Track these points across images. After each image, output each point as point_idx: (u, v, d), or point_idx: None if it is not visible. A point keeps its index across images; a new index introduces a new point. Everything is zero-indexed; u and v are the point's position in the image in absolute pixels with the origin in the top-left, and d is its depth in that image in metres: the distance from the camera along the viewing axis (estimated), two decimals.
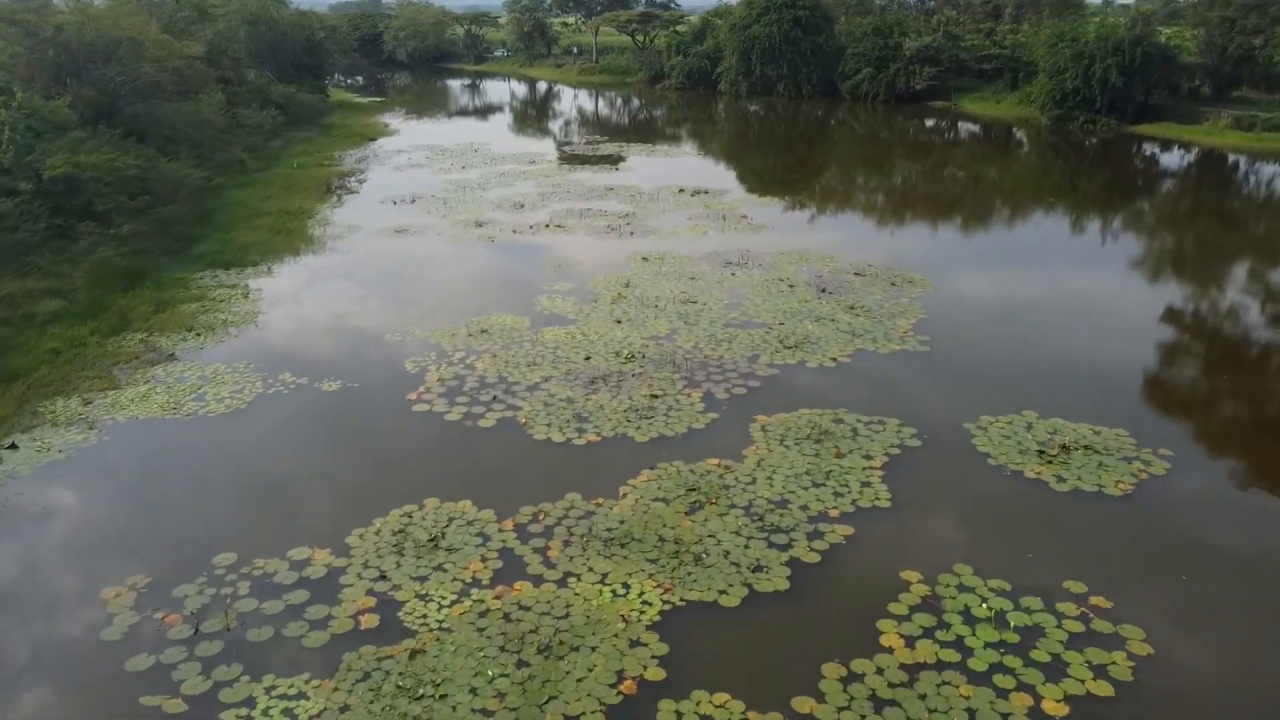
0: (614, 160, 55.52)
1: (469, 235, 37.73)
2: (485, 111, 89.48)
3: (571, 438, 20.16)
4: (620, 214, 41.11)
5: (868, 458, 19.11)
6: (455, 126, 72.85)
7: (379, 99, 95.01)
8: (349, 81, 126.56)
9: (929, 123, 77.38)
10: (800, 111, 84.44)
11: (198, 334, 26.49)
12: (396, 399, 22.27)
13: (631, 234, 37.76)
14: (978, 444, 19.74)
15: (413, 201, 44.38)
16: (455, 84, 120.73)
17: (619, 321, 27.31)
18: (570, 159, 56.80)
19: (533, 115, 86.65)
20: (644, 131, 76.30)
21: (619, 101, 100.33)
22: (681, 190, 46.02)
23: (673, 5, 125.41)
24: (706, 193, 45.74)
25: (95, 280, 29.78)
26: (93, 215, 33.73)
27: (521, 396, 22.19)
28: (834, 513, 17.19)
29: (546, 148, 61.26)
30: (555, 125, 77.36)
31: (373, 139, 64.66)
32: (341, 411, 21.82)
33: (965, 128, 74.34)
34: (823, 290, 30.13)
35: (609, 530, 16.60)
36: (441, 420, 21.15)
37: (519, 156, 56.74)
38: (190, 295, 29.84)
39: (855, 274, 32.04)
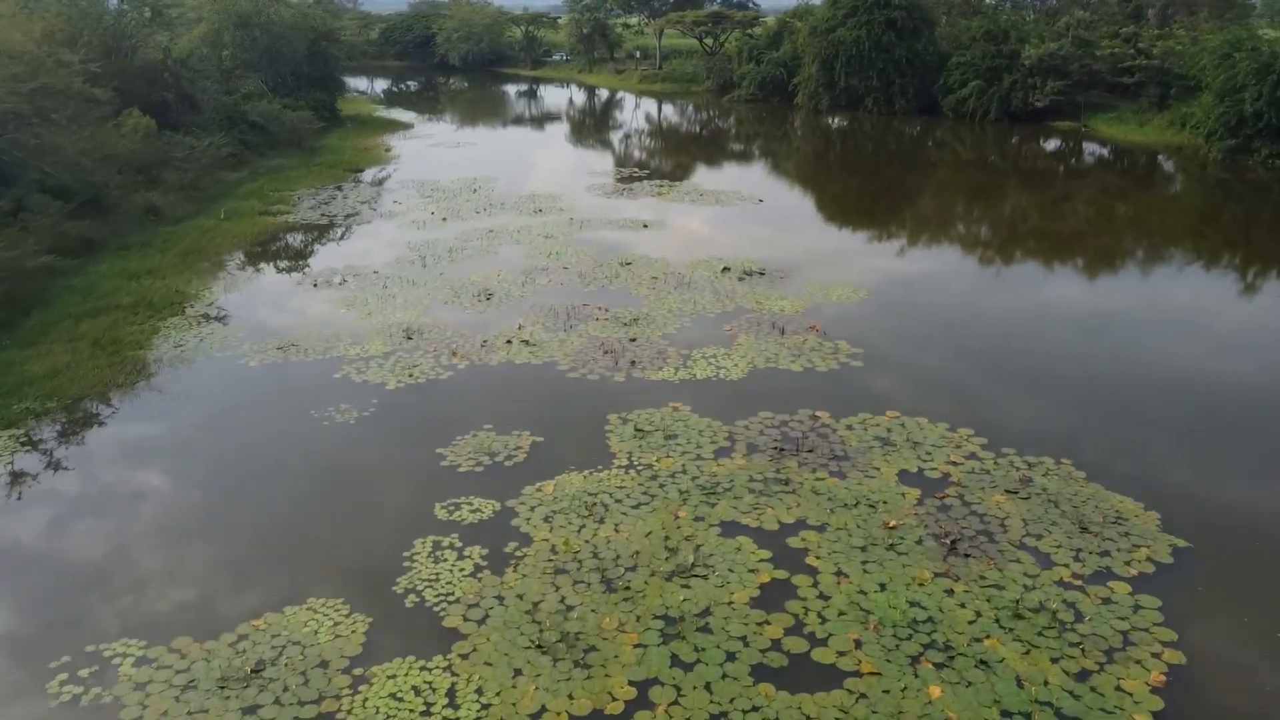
0: (645, 214, 41.26)
1: (375, 372, 23.68)
2: (525, 123, 75.84)
3: None
4: (627, 317, 26.81)
5: None
6: (475, 150, 59.21)
7: (410, 110, 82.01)
8: (399, 87, 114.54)
9: (1049, 145, 61.83)
10: (891, 131, 69.03)
11: None
12: None
13: (633, 364, 23.49)
14: None
15: (343, 282, 30.75)
16: (510, 89, 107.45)
17: (557, 662, 13.07)
18: (592, 205, 42.63)
19: (575, 132, 72.47)
20: (701, 154, 61.81)
21: (681, 113, 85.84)
22: (726, 269, 31.57)
23: (750, 4, 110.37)
24: (761, 274, 31.21)
25: None
26: None
27: None
28: None
29: (567, 185, 47.21)
30: (593, 149, 62.95)
31: (359, 170, 51.31)
32: None
33: (1097, 153, 58.43)
34: (949, 544, 15.55)
35: None
36: None
37: (526, 202, 42.78)
38: None
39: (1019, 477, 17.43)
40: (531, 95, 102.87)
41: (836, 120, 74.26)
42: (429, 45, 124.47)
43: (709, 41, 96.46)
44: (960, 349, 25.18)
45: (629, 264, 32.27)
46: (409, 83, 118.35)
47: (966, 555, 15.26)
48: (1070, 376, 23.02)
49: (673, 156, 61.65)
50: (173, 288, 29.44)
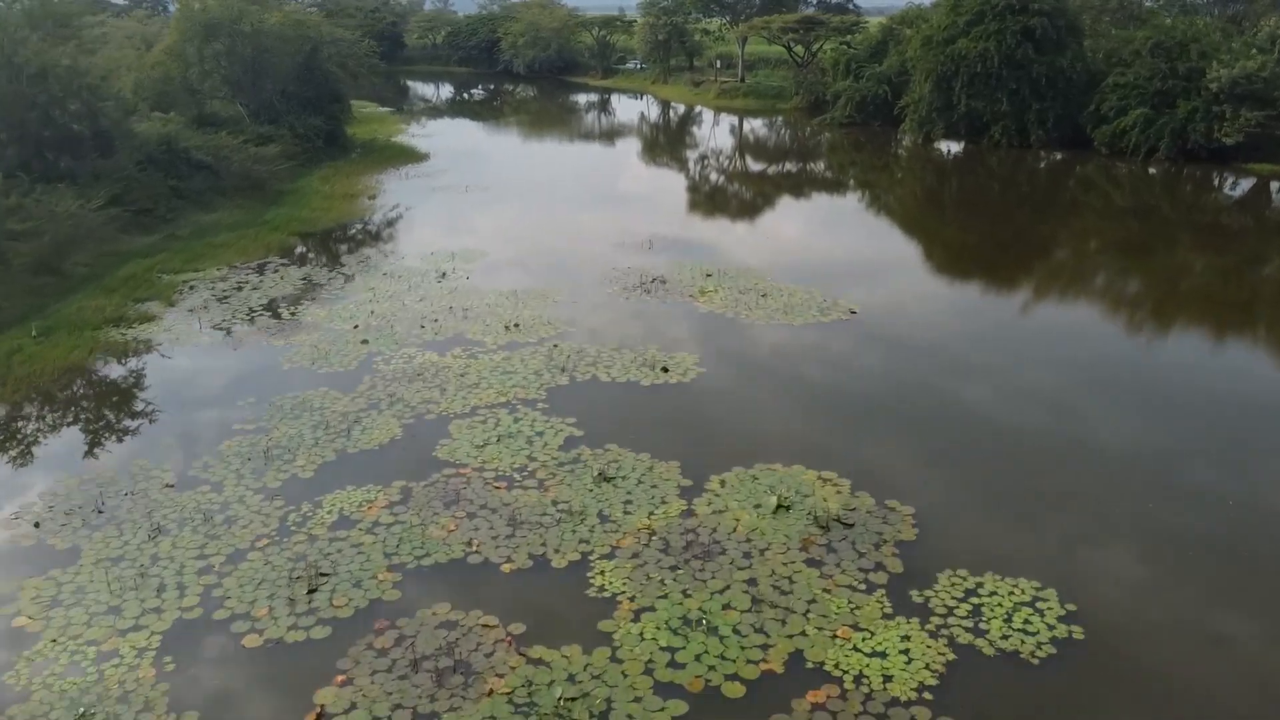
0: (670, 336, 26.45)
1: None
2: (568, 153, 61.44)
3: None
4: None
5: None
6: (482, 200, 44.93)
7: (470, 119, 68.50)
8: (466, 95, 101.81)
9: (1238, 191, 45.65)
10: (1024, 169, 52.91)
11: None
12: None
13: None
14: None
15: (82, 525, 16.83)
16: (578, 100, 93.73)
17: None
18: (597, 315, 28.03)
19: (620, 170, 57.64)
20: (775, 205, 46.58)
21: (761, 140, 70.51)
22: (821, 526, 16.61)
23: (850, 6, 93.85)
24: (850, 526, 16.20)
25: None
26: None
27: None
28: None
29: (577, 269, 32.88)
30: (635, 198, 47.91)
31: (310, 234, 37.60)
32: None
33: None
34: None
35: None
36: None
37: (501, 306, 28.51)
38: None
39: None
40: (595, 111, 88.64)
41: (952, 152, 58.17)
42: (494, 51, 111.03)
43: (799, 50, 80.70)
44: None
45: (605, 514, 17.53)
46: (473, 90, 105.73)
47: None
48: None
49: (737, 210, 46.56)
50: None
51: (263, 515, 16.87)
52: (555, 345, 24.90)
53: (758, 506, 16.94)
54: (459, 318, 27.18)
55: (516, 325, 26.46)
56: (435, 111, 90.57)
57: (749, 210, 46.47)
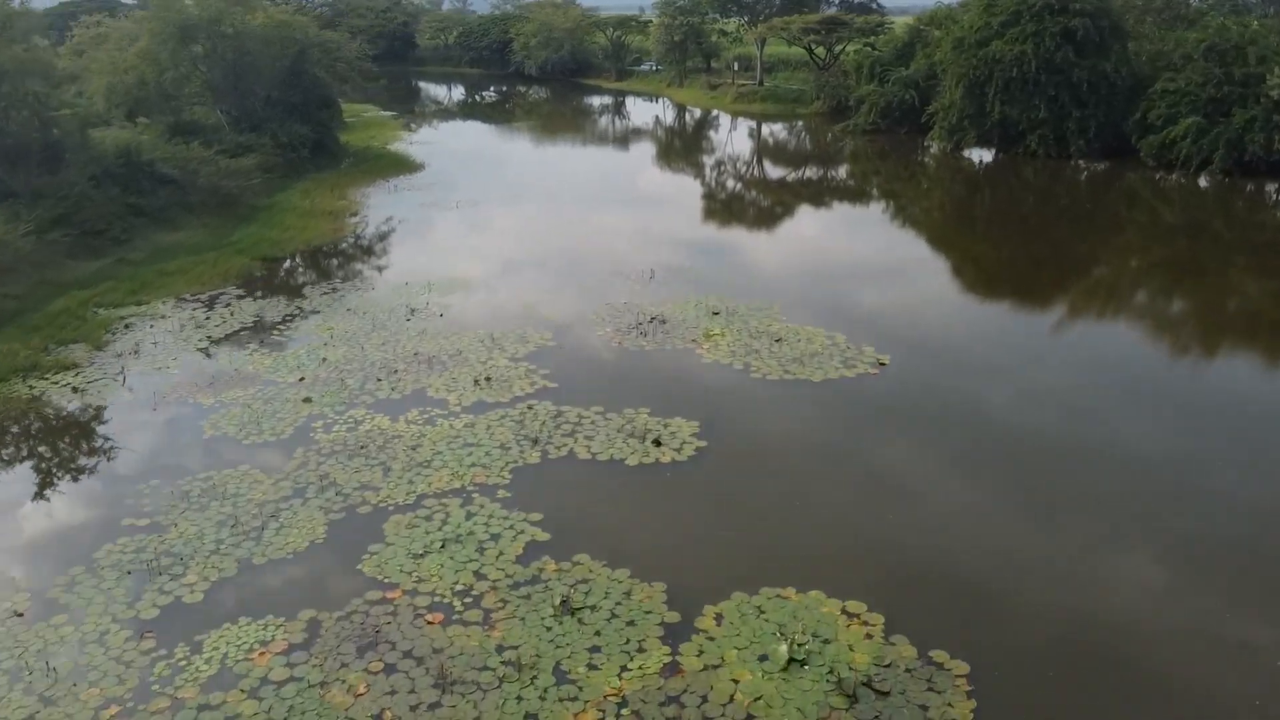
0: (668, 394, 22.41)
1: None
2: (575, 159, 57.31)
3: None
4: None
5: None
6: (473, 218, 41.10)
7: (483, 121, 64.62)
8: (477, 97, 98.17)
9: None
10: (1062, 180, 48.53)
11: None
12: None
13: None
14: None
15: None
16: (591, 103, 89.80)
17: None
18: (587, 362, 24.11)
19: (628, 180, 53.53)
20: (792, 222, 42.29)
21: (779, 146, 66.30)
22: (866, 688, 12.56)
23: (873, 5, 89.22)
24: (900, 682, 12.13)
25: None
26: None
27: None
28: None
29: (574, 297, 29.18)
30: (642, 215, 43.60)
31: (276, 259, 33.82)
32: None
33: None
34: None
35: None
36: None
37: (473, 351, 24.67)
38: None
39: None
40: (607, 114, 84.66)
41: (984, 161, 53.83)
42: (506, 52, 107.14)
43: (821, 52, 76.35)
44: None
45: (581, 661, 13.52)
46: (485, 92, 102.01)
47: None
48: None
49: (752, 227, 42.43)
50: None
51: (122, 665, 12.98)
52: (529, 407, 20.92)
53: (763, 659, 12.89)
54: (423, 367, 23.24)
55: (488, 379, 22.50)
56: (445, 114, 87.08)
57: (764, 227, 42.36)
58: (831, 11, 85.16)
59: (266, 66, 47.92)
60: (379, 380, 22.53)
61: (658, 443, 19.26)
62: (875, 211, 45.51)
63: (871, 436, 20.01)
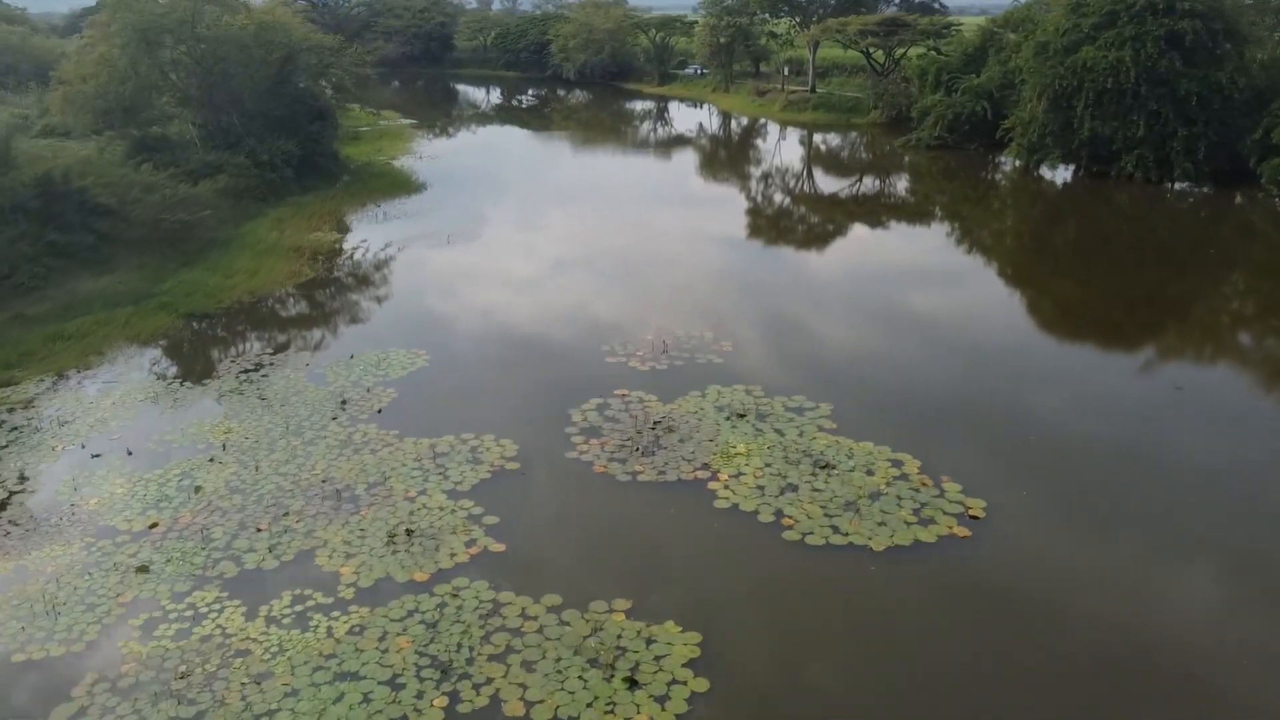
0: (668, 575, 15.23)
1: None
2: (597, 182, 50.14)
3: None
4: None
5: None
6: (461, 261, 34.44)
7: (514, 125, 57.95)
8: (515, 100, 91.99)
9: None
10: (1163, 208, 40.71)
11: None
12: None
13: None
14: None
15: None
16: (632, 109, 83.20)
17: None
18: (542, 512, 17.40)
19: (651, 210, 46.24)
20: (839, 273, 34.52)
21: (831, 164, 58.74)
22: None
23: (936, 5, 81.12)
24: None
25: None
26: None
27: None
28: None
29: (562, 387, 22.34)
30: (663, 265, 35.60)
31: (206, 315, 27.34)
32: None
33: None
34: None
35: None
36: None
37: (412, 479, 18.05)
38: None
39: None
40: (648, 121, 77.75)
41: (1067, 184, 46.00)
42: (544, 54, 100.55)
43: (879, 57, 68.53)
44: None
45: None
46: (523, 96, 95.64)
47: None
48: None
49: (793, 275, 34.92)
50: None
51: None
52: (453, 596, 14.01)
53: None
54: (326, 508, 16.47)
55: (408, 533, 15.68)
56: (483, 118, 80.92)
57: (812, 272, 34.94)
58: (892, 11, 77.25)
59: (245, 74, 41.62)
60: (258, 531, 15.81)
61: (633, 683, 12.24)
62: (948, 251, 37.66)
63: (967, 669, 12.75)
